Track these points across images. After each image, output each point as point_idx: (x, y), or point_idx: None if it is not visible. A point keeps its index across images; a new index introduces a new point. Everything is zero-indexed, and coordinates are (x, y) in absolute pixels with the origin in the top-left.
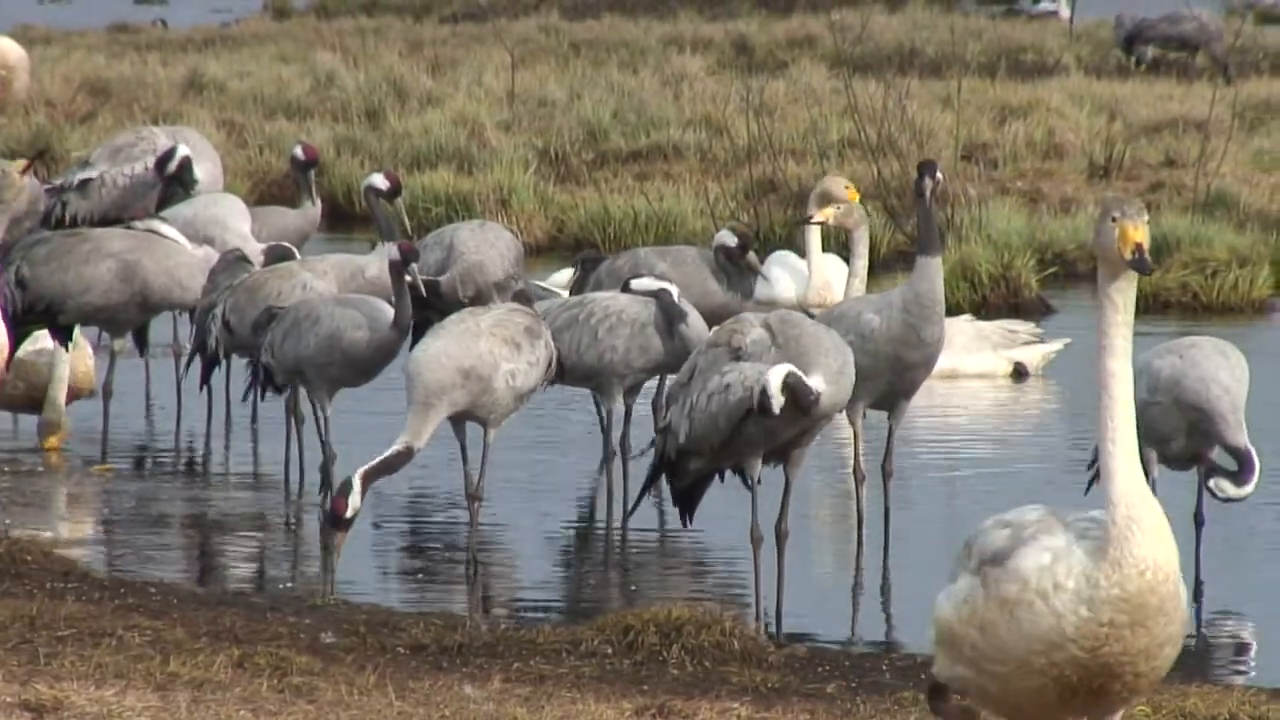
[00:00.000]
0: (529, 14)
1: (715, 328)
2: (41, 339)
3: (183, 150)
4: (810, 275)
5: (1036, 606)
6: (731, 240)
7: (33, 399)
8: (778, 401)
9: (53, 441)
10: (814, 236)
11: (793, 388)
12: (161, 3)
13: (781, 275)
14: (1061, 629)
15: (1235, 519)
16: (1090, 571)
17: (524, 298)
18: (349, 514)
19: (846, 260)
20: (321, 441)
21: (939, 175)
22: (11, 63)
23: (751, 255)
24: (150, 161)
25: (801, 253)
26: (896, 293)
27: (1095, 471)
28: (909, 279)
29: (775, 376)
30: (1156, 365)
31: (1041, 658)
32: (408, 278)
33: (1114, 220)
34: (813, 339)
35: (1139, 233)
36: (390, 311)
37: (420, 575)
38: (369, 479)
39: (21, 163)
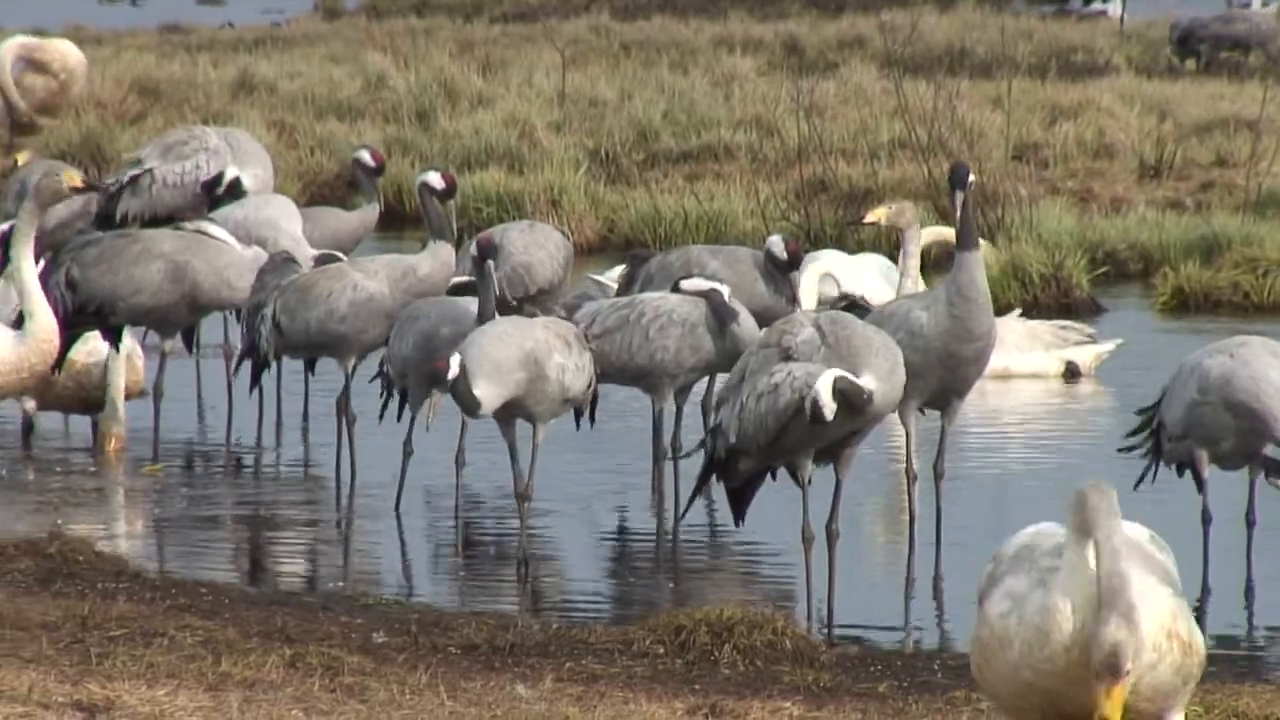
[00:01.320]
0: (579, 14)
1: (766, 328)
2: (92, 339)
3: (231, 173)
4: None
5: (1001, 655)
6: (781, 253)
7: (83, 400)
8: (830, 409)
9: (114, 445)
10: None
11: (844, 392)
12: (220, 3)
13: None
14: (1021, 678)
15: None
16: (1030, 637)
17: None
18: (450, 374)
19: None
20: (406, 439)
21: (970, 180)
22: (71, 65)
23: (794, 275)
24: (202, 160)
25: (850, 252)
26: (941, 288)
27: (1146, 466)
28: (951, 274)
29: (824, 384)
30: (1207, 365)
31: (1022, 700)
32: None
33: (1099, 679)
34: (863, 339)
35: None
36: (474, 310)
37: (472, 575)
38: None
39: (79, 177)
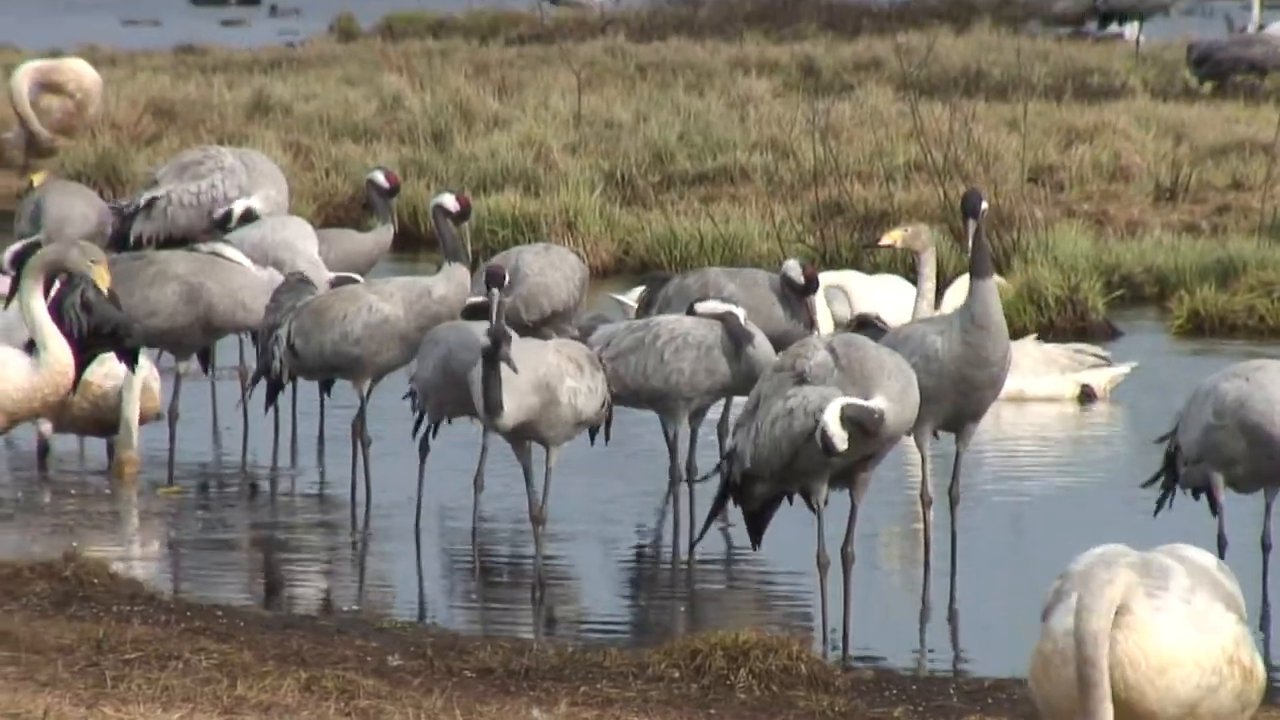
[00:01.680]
0: (595, 36)
1: (781, 352)
2: (109, 361)
3: (240, 205)
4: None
5: (1063, 671)
6: (799, 277)
7: (99, 421)
8: (841, 439)
9: (128, 470)
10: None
11: (853, 419)
12: (244, 25)
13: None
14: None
15: None
16: None
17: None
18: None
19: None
20: (422, 441)
21: (983, 208)
22: (86, 85)
23: (811, 300)
24: (217, 179)
25: (867, 274)
26: (955, 315)
27: (1163, 492)
28: (965, 301)
29: (831, 415)
30: (1223, 388)
31: (1079, 718)
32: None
33: None
34: (875, 361)
35: None
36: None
37: (486, 598)
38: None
39: (108, 281)
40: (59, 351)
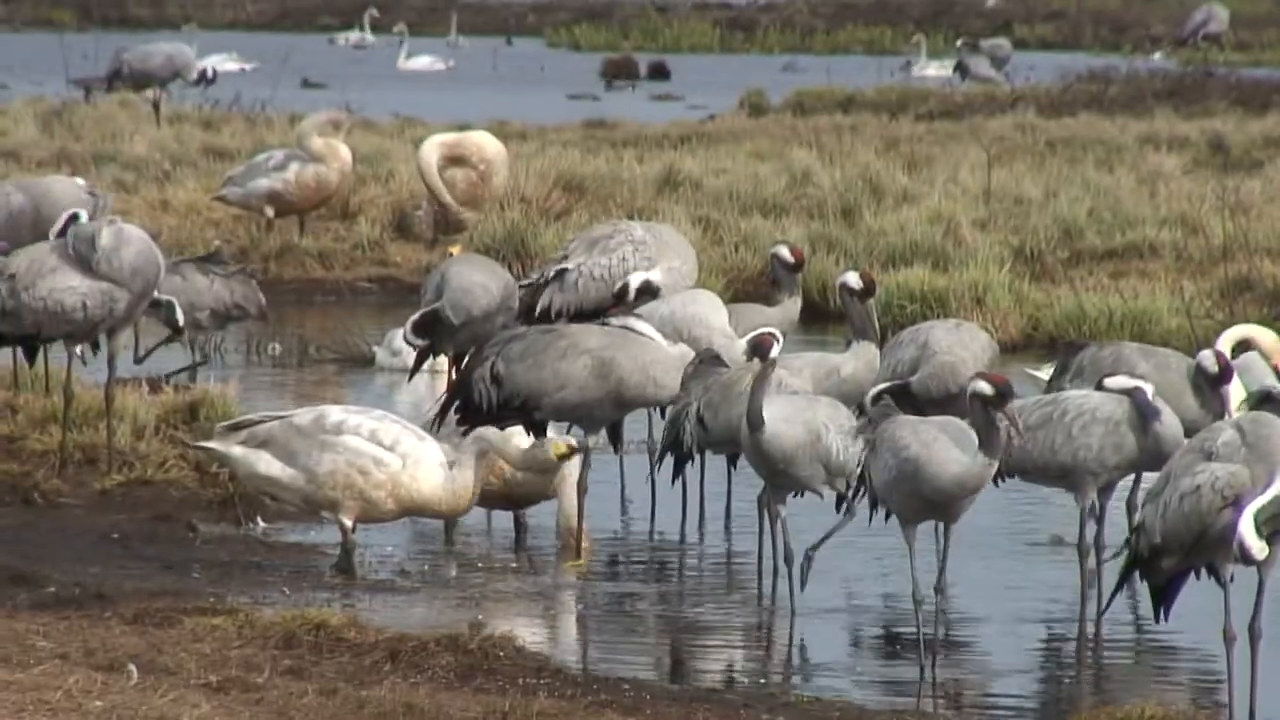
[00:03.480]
0: (1005, 112)
1: (1189, 439)
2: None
3: (635, 279)
4: None
5: None
6: (1211, 366)
7: (507, 496)
8: (1259, 549)
9: (577, 564)
10: None
11: (1269, 519)
12: (674, 99)
13: None
14: None
15: None
16: None
17: None
18: None
19: None
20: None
21: None
22: (489, 156)
23: (1225, 390)
24: (628, 252)
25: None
26: None
27: None
28: None
29: (1246, 526)
30: None
31: None
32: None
33: None
34: None
35: None
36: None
37: (889, 673)
38: None
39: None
40: (466, 491)
